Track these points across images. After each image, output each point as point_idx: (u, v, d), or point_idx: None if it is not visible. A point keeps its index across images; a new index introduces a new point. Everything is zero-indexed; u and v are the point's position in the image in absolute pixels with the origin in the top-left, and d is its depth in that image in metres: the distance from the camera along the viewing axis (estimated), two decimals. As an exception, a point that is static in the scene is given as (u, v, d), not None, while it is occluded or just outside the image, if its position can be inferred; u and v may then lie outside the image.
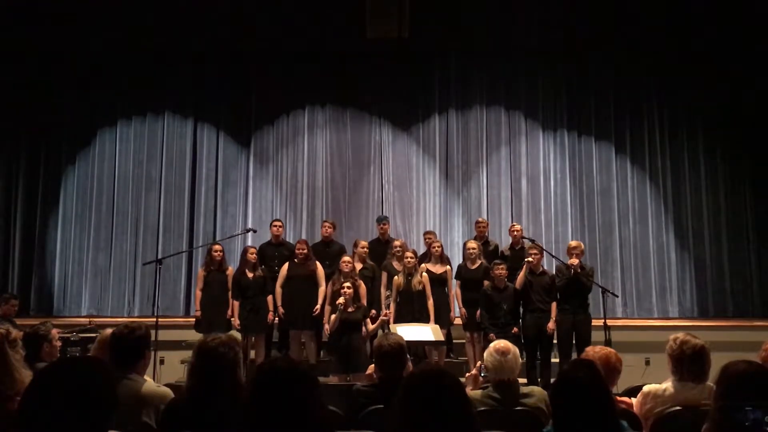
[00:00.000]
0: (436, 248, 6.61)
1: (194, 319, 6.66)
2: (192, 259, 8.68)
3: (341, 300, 5.68)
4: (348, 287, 5.75)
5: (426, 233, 7.44)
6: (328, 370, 5.78)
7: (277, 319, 6.60)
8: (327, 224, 7.28)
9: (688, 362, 2.90)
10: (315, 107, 9.09)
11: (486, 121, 9.06)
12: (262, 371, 1.63)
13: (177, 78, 9.00)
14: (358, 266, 6.51)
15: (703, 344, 2.94)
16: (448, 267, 6.64)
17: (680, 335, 2.99)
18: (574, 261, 6.11)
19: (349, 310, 5.72)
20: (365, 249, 6.77)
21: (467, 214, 8.81)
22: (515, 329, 6.03)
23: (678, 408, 2.82)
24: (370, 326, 6.06)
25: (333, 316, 5.78)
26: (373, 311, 6.33)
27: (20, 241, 8.70)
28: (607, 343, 5.39)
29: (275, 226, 7.17)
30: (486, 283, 6.31)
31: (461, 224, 8.86)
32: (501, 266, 6.21)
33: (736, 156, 8.88)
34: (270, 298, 6.52)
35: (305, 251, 6.58)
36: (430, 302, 6.24)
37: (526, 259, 6.22)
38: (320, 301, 6.35)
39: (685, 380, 2.90)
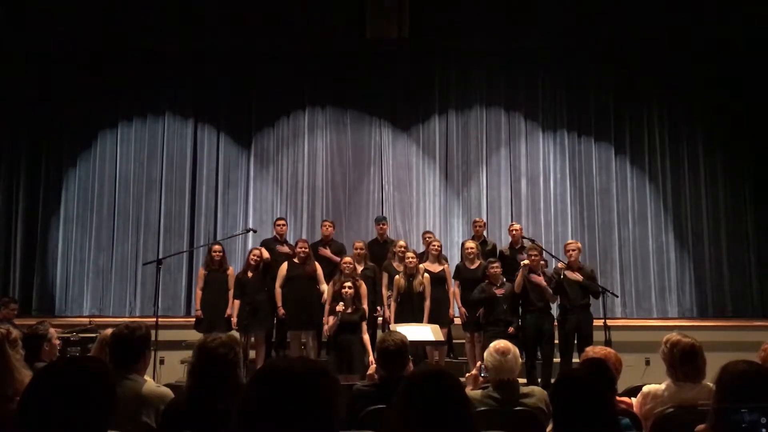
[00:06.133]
0: (435, 248, 6.61)
1: (194, 319, 6.68)
2: (192, 259, 8.69)
3: (340, 307, 5.65)
4: (349, 287, 5.74)
5: (425, 233, 7.44)
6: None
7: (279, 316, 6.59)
8: (327, 223, 7.30)
9: (680, 363, 2.89)
10: (315, 108, 9.09)
11: (486, 121, 9.07)
12: (272, 371, 1.56)
13: (177, 78, 9.00)
14: (360, 267, 6.50)
15: (693, 343, 2.91)
16: (446, 265, 6.64)
17: (672, 336, 2.98)
18: (561, 265, 6.18)
19: (348, 311, 5.69)
20: (362, 250, 6.72)
21: (467, 215, 8.80)
22: (511, 329, 6.02)
23: (675, 408, 2.81)
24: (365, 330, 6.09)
25: (331, 319, 5.75)
26: (379, 308, 6.33)
27: (22, 242, 8.70)
28: (608, 343, 5.40)
29: (279, 224, 7.19)
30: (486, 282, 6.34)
31: (461, 224, 8.86)
32: (495, 265, 6.23)
33: (735, 157, 8.87)
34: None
35: (306, 251, 6.58)
36: (427, 303, 6.25)
37: (523, 262, 6.21)
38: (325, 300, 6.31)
39: (681, 381, 2.89)
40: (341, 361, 5.60)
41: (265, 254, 6.63)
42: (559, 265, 6.22)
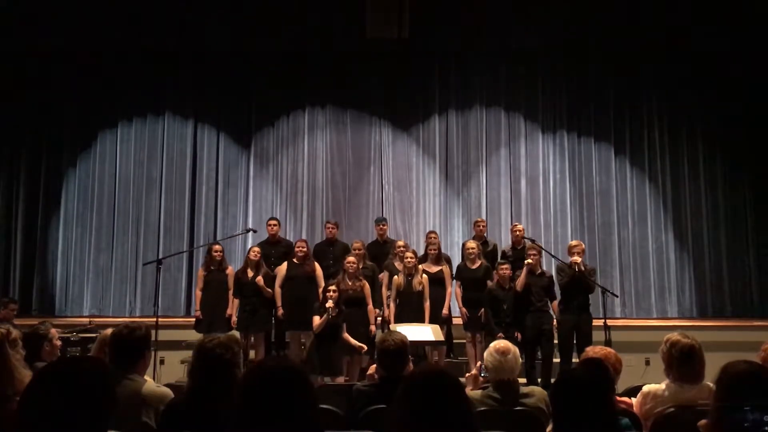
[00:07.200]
0: (432, 249, 6.61)
1: (194, 319, 6.67)
2: (192, 259, 8.69)
3: (330, 304, 5.64)
4: (333, 290, 5.70)
5: (429, 233, 7.42)
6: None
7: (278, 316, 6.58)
8: (330, 224, 7.30)
9: (677, 363, 2.88)
10: (315, 108, 9.09)
11: (486, 121, 9.07)
12: (252, 372, 1.63)
13: (177, 78, 9.00)
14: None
15: (692, 344, 2.90)
16: (445, 266, 6.63)
17: (673, 336, 2.96)
18: (577, 259, 6.10)
19: (333, 313, 5.67)
20: (360, 250, 6.69)
21: (467, 215, 8.81)
22: (518, 333, 5.99)
23: (675, 408, 2.81)
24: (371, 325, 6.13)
25: (317, 318, 5.72)
26: (377, 310, 6.35)
27: (22, 242, 8.70)
28: (608, 343, 5.39)
29: (270, 225, 7.17)
30: (489, 283, 6.34)
31: (461, 225, 8.86)
32: (505, 266, 6.23)
33: (735, 157, 8.88)
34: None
35: (305, 250, 6.58)
36: (427, 303, 6.26)
37: (525, 261, 6.21)
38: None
39: (678, 381, 2.89)
40: (324, 362, 5.59)
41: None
42: (573, 260, 6.12)
